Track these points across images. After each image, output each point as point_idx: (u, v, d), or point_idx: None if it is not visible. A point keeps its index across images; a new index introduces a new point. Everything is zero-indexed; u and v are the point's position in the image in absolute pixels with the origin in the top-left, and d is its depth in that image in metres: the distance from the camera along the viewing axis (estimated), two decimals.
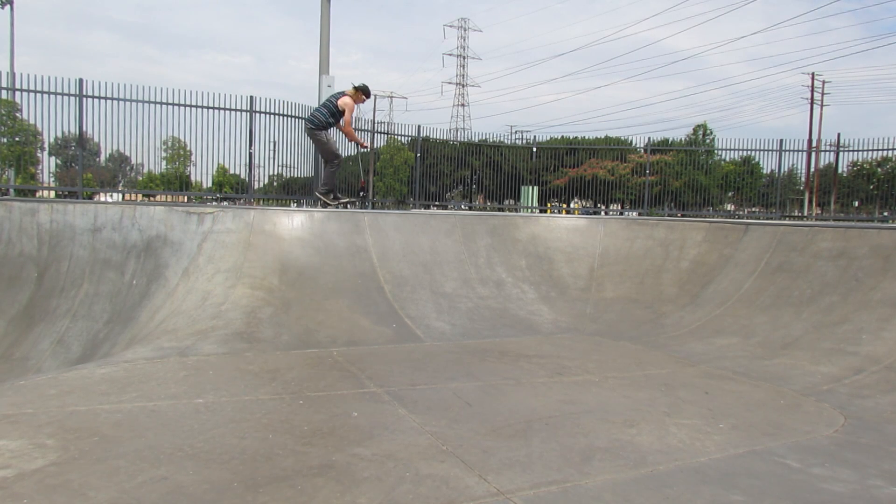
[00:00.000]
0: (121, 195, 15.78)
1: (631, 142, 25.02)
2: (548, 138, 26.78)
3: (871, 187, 21.53)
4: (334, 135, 10.06)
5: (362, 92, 9.68)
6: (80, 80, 12.26)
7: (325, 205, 9.35)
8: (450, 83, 79.77)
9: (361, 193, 9.90)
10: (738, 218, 17.91)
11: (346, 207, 9.52)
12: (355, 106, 9.78)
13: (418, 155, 18.51)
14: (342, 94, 9.63)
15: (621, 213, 23.10)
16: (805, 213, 22.43)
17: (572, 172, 22.11)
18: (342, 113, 9.50)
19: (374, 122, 19.88)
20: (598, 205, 24.98)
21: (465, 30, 77.93)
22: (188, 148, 14.74)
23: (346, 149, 17.73)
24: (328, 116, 9.57)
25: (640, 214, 20.40)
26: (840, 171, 20.14)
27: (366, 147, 10.31)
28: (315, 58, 16.70)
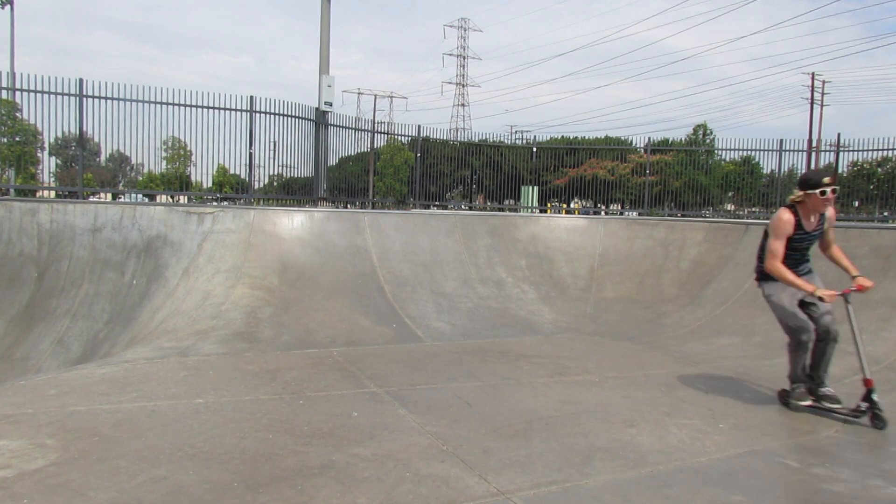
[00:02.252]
0: (125, 196, 15.79)
1: (631, 142, 25.02)
2: (548, 138, 26.79)
3: (872, 187, 21.52)
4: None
5: None
6: (81, 80, 12.25)
7: None
8: (450, 83, 79.74)
9: None
10: (739, 218, 17.92)
11: None
12: None
13: (418, 155, 18.51)
14: None
15: (621, 213, 23.11)
16: None
17: (572, 172, 22.09)
18: None
19: (374, 122, 19.88)
20: (599, 205, 24.97)
21: (465, 30, 77.93)
22: (188, 148, 14.73)
23: (345, 149, 17.74)
24: None
25: (640, 214, 20.42)
26: (840, 171, 20.13)
27: None
28: (315, 58, 16.69)
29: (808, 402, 4.71)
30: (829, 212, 4.79)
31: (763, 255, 4.81)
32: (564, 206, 23.23)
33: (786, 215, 4.67)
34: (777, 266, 4.61)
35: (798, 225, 4.66)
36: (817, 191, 4.58)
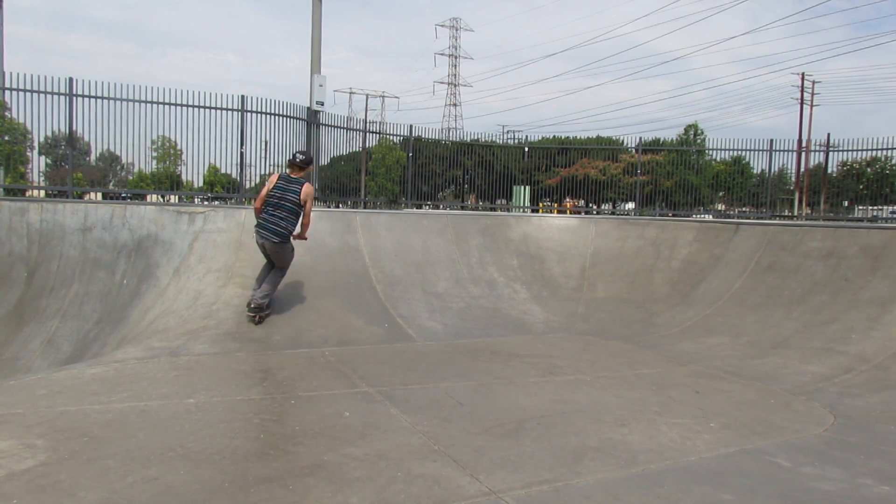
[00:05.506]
0: (117, 195, 15.70)
1: (622, 142, 25.10)
2: (539, 138, 26.82)
3: (861, 187, 21.65)
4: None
5: (307, 164, 7.01)
6: (70, 79, 12.18)
7: (258, 320, 6.73)
8: (441, 83, 79.77)
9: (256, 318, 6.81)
10: (729, 218, 18.00)
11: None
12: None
13: (410, 154, 18.50)
14: (294, 181, 6.88)
15: (612, 213, 23.18)
16: (795, 213, 22.54)
17: (564, 172, 22.15)
18: (304, 203, 6.88)
19: (366, 122, 19.85)
20: (590, 204, 25.03)
21: (456, 29, 77.93)
22: (179, 147, 14.67)
23: (337, 148, 17.70)
24: (294, 220, 6.89)
25: (637, 214, 20.49)
26: (830, 170, 20.25)
27: (305, 239, 6.88)
28: (299, 56, 16.67)
29: None
30: None
31: None
32: (556, 205, 23.26)
33: None
34: None
35: None
36: None
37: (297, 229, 6.95)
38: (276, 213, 6.72)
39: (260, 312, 6.71)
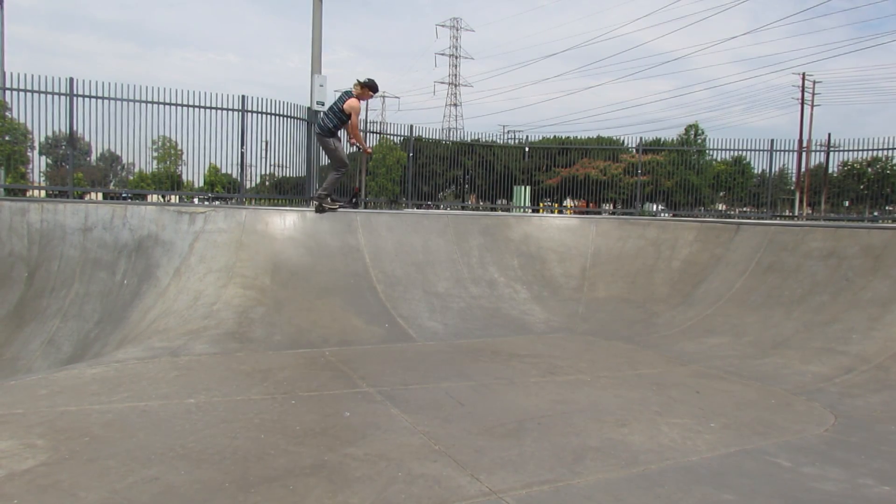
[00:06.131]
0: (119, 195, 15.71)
1: (623, 142, 25.09)
2: (540, 138, 26.82)
3: (862, 187, 21.63)
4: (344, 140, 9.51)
5: (368, 87, 9.09)
6: (71, 80, 12.18)
7: (319, 208, 8.87)
8: (442, 83, 79.76)
9: (354, 200, 9.54)
10: (730, 218, 17.99)
11: (334, 211, 9.10)
12: (361, 104, 9.25)
13: (411, 154, 18.48)
14: (349, 94, 9.05)
15: (613, 213, 23.16)
16: (796, 213, 22.53)
17: (564, 172, 22.13)
18: (349, 116, 8.96)
19: (366, 122, 19.84)
20: (591, 205, 25.00)
21: (457, 29, 77.95)
22: (179, 147, 14.67)
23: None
24: (336, 121, 9.07)
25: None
26: (831, 171, 20.24)
27: (370, 153, 9.59)
28: (300, 56, 16.68)
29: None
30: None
31: None
32: (556, 205, 23.25)
33: None
34: None
35: None
36: None
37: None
38: (327, 112, 9.19)
39: (318, 204, 8.92)
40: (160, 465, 3.22)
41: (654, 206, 23.08)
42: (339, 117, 9.00)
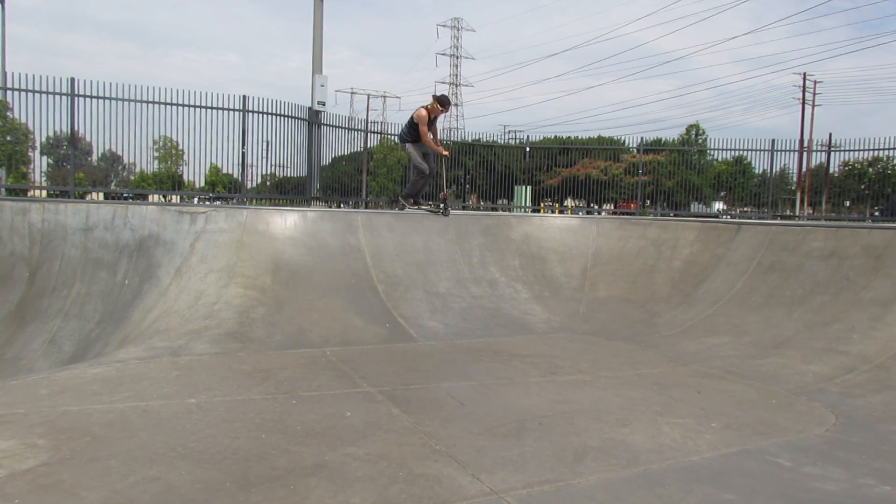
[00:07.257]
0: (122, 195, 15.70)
1: (623, 142, 25.09)
2: (540, 138, 26.84)
3: (863, 187, 21.63)
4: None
5: (438, 101, 10.03)
6: (72, 80, 12.20)
7: (399, 206, 10.18)
8: (443, 83, 79.74)
9: (442, 206, 9.88)
10: (730, 218, 17.98)
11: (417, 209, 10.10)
12: (432, 116, 10.05)
13: None
14: (423, 107, 10.05)
15: (614, 213, 23.15)
16: (797, 213, 22.52)
17: (565, 172, 22.14)
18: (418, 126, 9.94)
19: (367, 122, 19.85)
20: (592, 204, 25.00)
21: (458, 29, 77.94)
22: (181, 147, 14.68)
23: (338, 148, 17.68)
24: (408, 130, 10.12)
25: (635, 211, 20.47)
26: (831, 170, 20.24)
27: (446, 154, 10.35)
28: (301, 56, 16.71)
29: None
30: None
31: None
32: (557, 205, 23.24)
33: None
34: None
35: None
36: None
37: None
38: (406, 124, 10.27)
39: (401, 202, 10.25)
40: (161, 465, 3.22)
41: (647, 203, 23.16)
42: (411, 126, 10.04)
